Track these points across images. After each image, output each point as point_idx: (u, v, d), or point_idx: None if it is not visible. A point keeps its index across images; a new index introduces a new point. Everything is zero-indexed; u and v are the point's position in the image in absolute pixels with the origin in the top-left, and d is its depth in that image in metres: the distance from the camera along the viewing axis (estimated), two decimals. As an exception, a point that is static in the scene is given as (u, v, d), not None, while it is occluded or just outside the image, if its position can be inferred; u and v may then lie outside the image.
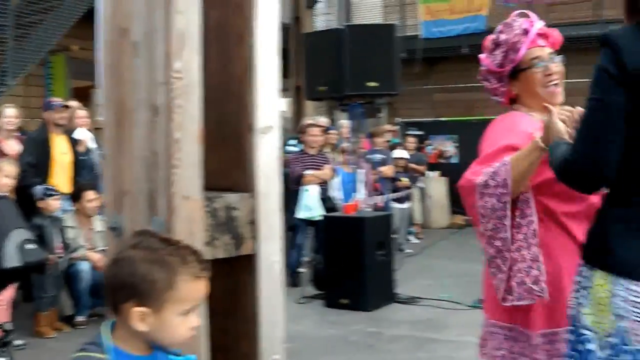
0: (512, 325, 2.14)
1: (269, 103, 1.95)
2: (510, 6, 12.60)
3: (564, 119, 1.92)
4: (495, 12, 13.06)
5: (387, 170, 9.17)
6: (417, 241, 10.42)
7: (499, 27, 2.25)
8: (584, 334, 1.68)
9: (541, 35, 2.20)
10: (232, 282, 1.96)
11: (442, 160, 13.11)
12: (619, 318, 1.62)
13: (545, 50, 2.19)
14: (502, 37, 2.20)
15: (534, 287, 1.98)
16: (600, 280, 1.65)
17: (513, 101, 2.28)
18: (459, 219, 12.25)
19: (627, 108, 1.60)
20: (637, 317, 1.60)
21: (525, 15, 2.23)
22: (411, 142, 11.01)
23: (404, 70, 13.07)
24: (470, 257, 8.90)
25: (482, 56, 2.28)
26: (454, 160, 13.08)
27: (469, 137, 12.71)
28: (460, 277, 7.33)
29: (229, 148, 1.99)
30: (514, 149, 2.04)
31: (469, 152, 13.03)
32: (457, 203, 12.33)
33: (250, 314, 1.94)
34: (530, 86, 2.17)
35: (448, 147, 13.24)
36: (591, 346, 1.67)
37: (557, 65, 2.18)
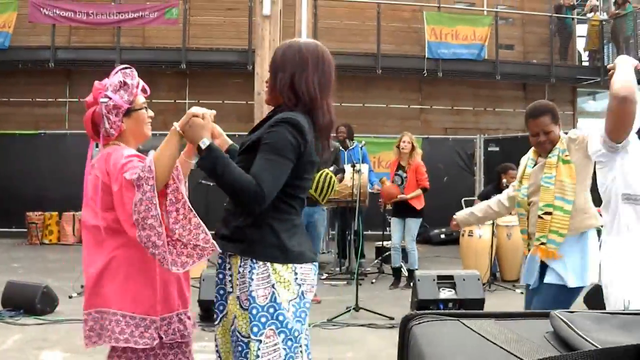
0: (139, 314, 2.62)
1: None
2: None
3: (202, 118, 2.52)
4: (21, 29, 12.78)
5: None
6: None
7: (123, 75, 2.77)
8: (282, 307, 2.41)
9: (143, 90, 2.82)
10: None
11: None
12: (299, 287, 2.46)
13: (145, 102, 2.85)
14: (129, 81, 2.75)
15: (207, 245, 2.55)
16: (283, 270, 2.43)
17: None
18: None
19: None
20: (309, 283, 2.50)
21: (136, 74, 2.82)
22: None
23: None
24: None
25: (109, 93, 2.74)
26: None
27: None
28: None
29: None
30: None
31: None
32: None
33: None
34: (139, 123, 2.79)
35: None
36: (287, 312, 2.43)
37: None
